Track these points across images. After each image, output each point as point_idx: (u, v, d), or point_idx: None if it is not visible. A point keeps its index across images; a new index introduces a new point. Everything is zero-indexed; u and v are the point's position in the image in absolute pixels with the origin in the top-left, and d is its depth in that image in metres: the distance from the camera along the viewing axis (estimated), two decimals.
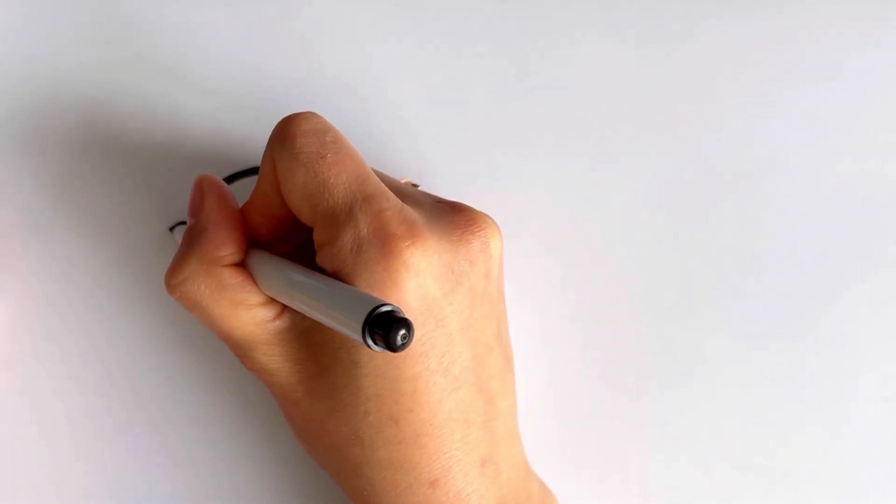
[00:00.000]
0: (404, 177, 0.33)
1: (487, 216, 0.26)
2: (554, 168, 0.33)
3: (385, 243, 0.23)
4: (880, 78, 0.34)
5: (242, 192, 0.33)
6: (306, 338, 0.25)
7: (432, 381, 0.24)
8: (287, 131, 0.24)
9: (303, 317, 0.25)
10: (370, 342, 0.20)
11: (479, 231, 0.25)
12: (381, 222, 0.23)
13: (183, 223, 0.30)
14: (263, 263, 0.25)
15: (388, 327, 0.19)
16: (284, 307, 0.25)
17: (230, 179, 0.33)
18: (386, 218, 0.23)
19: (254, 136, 0.33)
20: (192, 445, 0.31)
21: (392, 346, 0.19)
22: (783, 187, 0.33)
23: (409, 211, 0.24)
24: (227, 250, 0.25)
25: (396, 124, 0.34)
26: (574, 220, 0.33)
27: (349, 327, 0.20)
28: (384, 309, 0.20)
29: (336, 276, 0.24)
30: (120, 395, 0.31)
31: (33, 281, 0.32)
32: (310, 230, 0.25)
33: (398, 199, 0.24)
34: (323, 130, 0.24)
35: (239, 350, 0.26)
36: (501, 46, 0.35)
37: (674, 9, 0.35)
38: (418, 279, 0.23)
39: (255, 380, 0.31)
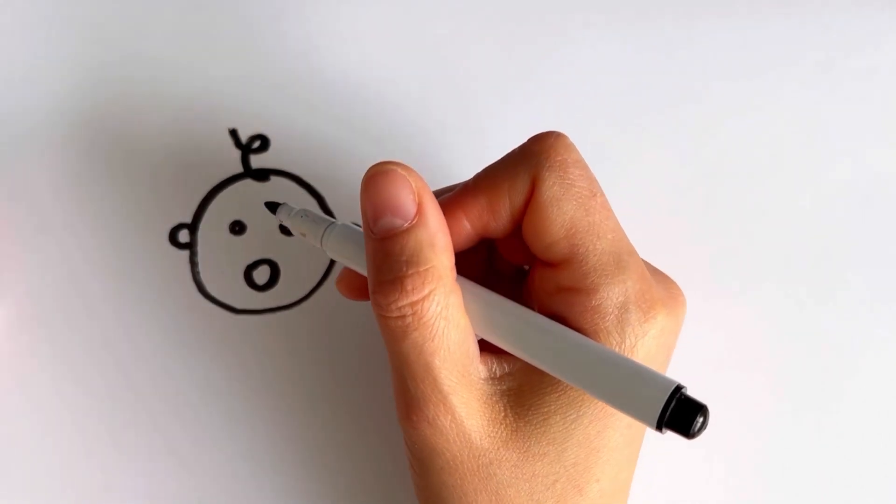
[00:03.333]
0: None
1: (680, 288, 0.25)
2: None
3: (649, 307, 0.22)
4: (880, 78, 0.34)
5: (242, 192, 0.33)
6: (510, 397, 0.23)
7: (624, 452, 0.23)
8: (556, 155, 0.22)
9: (508, 371, 0.23)
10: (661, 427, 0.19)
11: (683, 304, 0.24)
12: (646, 284, 0.22)
13: (280, 204, 0.26)
14: (482, 296, 0.22)
15: (687, 413, 0.18)
16: (484, 351, 0.23)
17: (225, 184, 0.33)
18: (648, 279, 0.22)
19: (254, 137, 0.34)
20: (193, 446, 0.31)
21: (688, 433, 0.19)
22: (783, 188, 0.33)
23: (651, 277, 0.23)
24: (453, 268, 0.22)
25: (396, 125, 0.34)
26: None
27: (635, 409, 0.19)
28: (684, 394, 0.19)
29: (583, 329, 0.22)
30: (120, 396, 0.31)
31: (33, 281, 0.32)
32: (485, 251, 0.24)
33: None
34: (586, 165, 0.23)
35: (435, 393, 0.22)
36: (501, 47, 0.34)
37: (674, 9, 0.35)
38: (655, 343, 0.22)
39: (254, 381, 0.31)
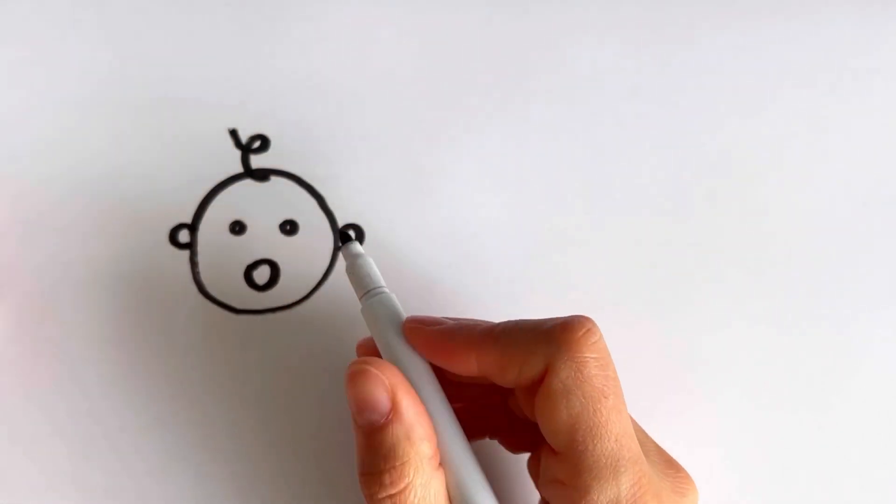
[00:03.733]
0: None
1: (693, 482, 0.25)
2: (553, 168, 0.33)
3: None
4: (880, 78, 0.34)
5: (242, 192, 0.33)
6: None
7: None
8: (574, 348, 0.23)
9: None
10: None
11: (691, 496, 0.24)
12: (639, 491, 0.22)
13: (350, 240, 0.28)
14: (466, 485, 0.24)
15: None
16: None
17: (225, 184, 0.33)
18: (643, 487, 0.23)
19: (254, 137, 0.34)
20: (193, 446, 0.31)
21: None
22: (782, 188, 0.33)
23: (654, 479, 0.23)
24: (434, 446, 0.24)
25: (396, 125, 0.34)
26: (573, 220, 0.33)
27: None
28: None
29: None
30: (120, 396, 0.31)
31: (33, 281, 0.32)
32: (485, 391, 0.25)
33: (647, 462, 0.23)
34: (608, 363, 0.23)
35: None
36: (501, 47, 0.35)
37: (674, 10, 0.35)
38: None
39: (255, 381, 0.31)
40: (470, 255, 0.32)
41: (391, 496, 0.23)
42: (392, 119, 0.34)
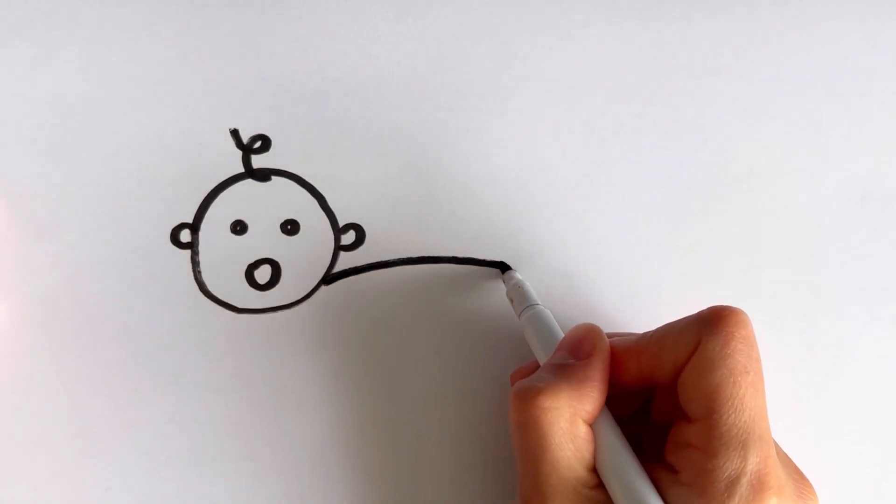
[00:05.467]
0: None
1: (816, 495, 0.26)
2: (553, 169, 0.33)
3: (760, 490, 0.23)
4: (879, 79, 0.34)
5: (243, 192, 0.33)
6: None
7: None
8: (725, 326, 0.25)
9: None
10: None
11: None
12: (765, 469, 0.23)
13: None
14: (614, 447, 0.25)
15: None
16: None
17: (227, 184, 0.33)
18: (769, 466, 0.24)
19: (255, 137, 0.34)
20: (194, 446, 0.31)
21: None
22: (781, 188, 0.33)
23: (780, 469, 0.24)
24: (595, 410, 0.25)
25: (396, 125, 0.34)
26: (573, 219, 0.33)
27: None
28: None
29: (691, 486, 0.24)
30: (121, 396, 0.31)
31: (34, 281, 0.32)
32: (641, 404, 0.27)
33: (775, 452, 0.24)
34: (753, 344, 0.25)
35: (538, 494, 0.25)
36: (501, 47, 0.35)
37: (673, 10, 0.35)
38: None
39: (256, 380, 0.31)
40: (470, 254, 0.32)
41: (544, 409, 0.25)
42: (392, 119, 0.34)
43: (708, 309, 0.26)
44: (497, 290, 0.32)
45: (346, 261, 0.32)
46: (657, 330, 0.27)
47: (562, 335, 0.28)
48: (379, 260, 0.32)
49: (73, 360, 0.31)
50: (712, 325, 0.25)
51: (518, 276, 0.31)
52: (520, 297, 0.30)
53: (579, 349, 0.27)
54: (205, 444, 0.31)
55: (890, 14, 0.35)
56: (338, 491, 0.30)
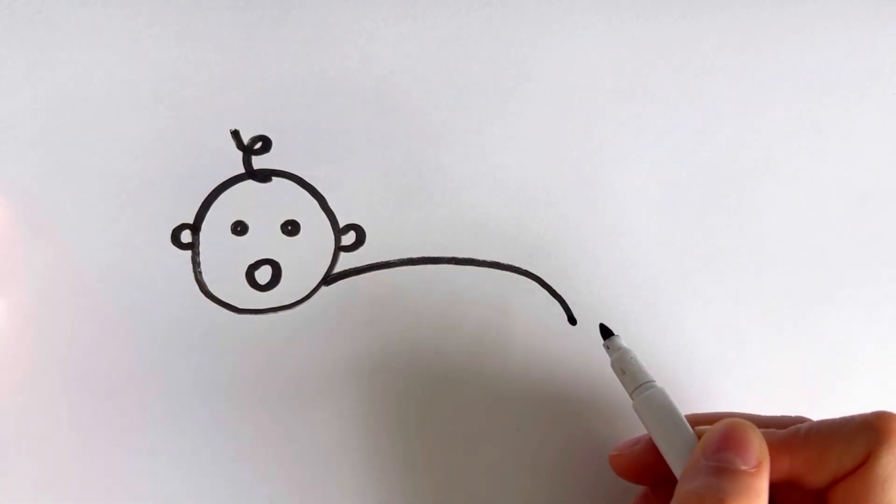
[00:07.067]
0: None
1: None
2: (553, 169, 0.33)
3: None
4: (879, 79, 0.34)
5: (244, 193, 0.33)
6: None
7: None
8: None
9: None
10: None
11: None
12: None
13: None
14: None
15: None
16: None
17: (228, 184, 0.33)
18: None
19: (255, 138, 0.34)
20: (194, 446, 0.31)
21: None
22: (781, 188, 0.33)
23: None
24: None
25: (396, 125, 0.34)
26: (573, 219, 0.33)
27: None
28: None
29: None
30: (121, 396, 0.31)
31: (33, 281, 0.32)
32: None
33: None
34: None
35: None
36: (501, 47, 0.35)
37: (672, 11, 0.35)
38: None
39: (256, 380, 0.31)
40: (470, 254, 0.32)
41: None
42: (393, 120, 0.34)
43: (875, 415, 0.24)
44: (497, 291, 0.32)
45: (346, 261, 0.32)
46: (813, 428, 0.25)
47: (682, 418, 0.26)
48: (379, 260, 0.32)
49: (73, 360, 0.31)
50: (885, 437, 0.23)
51: (624, 344, 0.29)
52: (633, 371, 0.27)
53: (748, 455, 0.24)
54: (205, 444, 0.31)
55: (890, 14, 0.35)
56: (337, 491, 0.30)
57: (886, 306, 0.32)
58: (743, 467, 0.23)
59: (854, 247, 0.33)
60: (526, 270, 0.32)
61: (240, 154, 0.33)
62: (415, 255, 0.32)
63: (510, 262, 0.32)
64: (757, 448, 0.24)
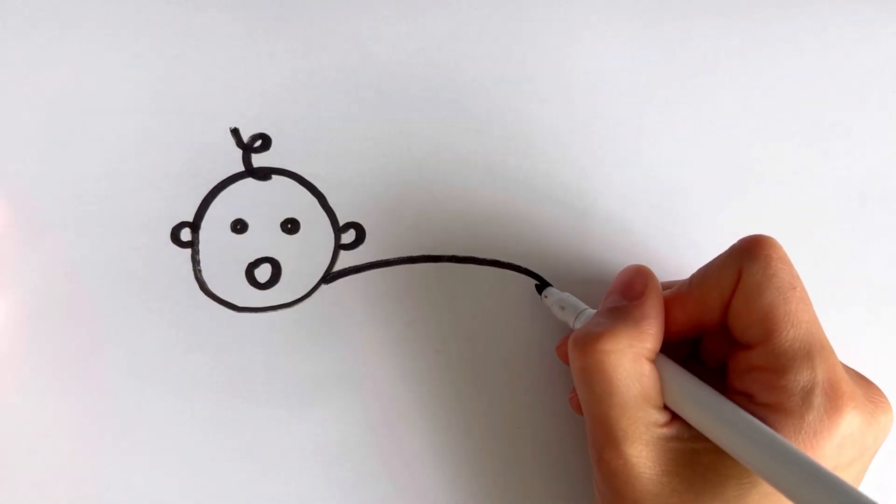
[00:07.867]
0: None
1: (886, 396, 0.26)
2: (553, 169, 0.33)
3: (835, 397, 0.23)
4: (879, 79, 0.34)
5: (244, 191, 0.33)
6: (689, 455, 0.24)
7: None
8: (761, 250, 0.25)
9: (693, 434, 0.24)
10: None
11: (886, 412, 0.25)
12: (835, 376, 0.24)
13: (546, 285, 0.31)
14: (681, 377, 0.25)
15: None
16: (675, 416, 0.25)
17: (227, 182, 0.33)
18: (838, 373, 0.24)
19: (255, 136, 0.34)
20: (194, 444, 0.31)
21: None
22: (781, 188, 0.33)
23: (850, 382, 0.24)
24: (656, 347, 0.25)
25: (396, 124, 0.34)
26: (573, 219, 0.33)
27: None
28: None
29: (768, 404, 0.23)
30: (121, 395, 0.31)
31: (33, 281, 0.32)
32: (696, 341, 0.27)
33: (839, 360, 0.25)
34: (790, 262, 0.25)
35: (611, 439, 0.25)
36: (500, 47, 0.35)
37: (673, 10, 0.35)
38: (842, 440, 0.23)
39: (256, 379, 0.31)
40: (470, 252, 0.32)
41: (607, 352, 0.25)
42: (392, 119, 0.34)
43: (739, 241, 0.26)
44: (497, 289, 0.32)
45: (346, 260, 0.32)
46: (695, 275, 0.27)
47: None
48: (379, 259, 0.32)
49: (72, 360, 0.31)
50: (749, 251, 0.25)
51: (557, 291, 0.31)
52: (571, 304, 0.30)
53: (631, 290, 0.26)
54: (205, 444, 0.31)
55: (890, 14, 0.35)
56: (338, 490, 0.30)
57: (886, 306, 0.32)
58: (624, 302, 0.26)
59: (854, 247, 0.33)
60: (526, 269, 0.32)
61: (239, 152, 0.34)
62: (415, 254, 0.32)
63: (510, 261, 0.32)
64: (639, 282, 0.26)
